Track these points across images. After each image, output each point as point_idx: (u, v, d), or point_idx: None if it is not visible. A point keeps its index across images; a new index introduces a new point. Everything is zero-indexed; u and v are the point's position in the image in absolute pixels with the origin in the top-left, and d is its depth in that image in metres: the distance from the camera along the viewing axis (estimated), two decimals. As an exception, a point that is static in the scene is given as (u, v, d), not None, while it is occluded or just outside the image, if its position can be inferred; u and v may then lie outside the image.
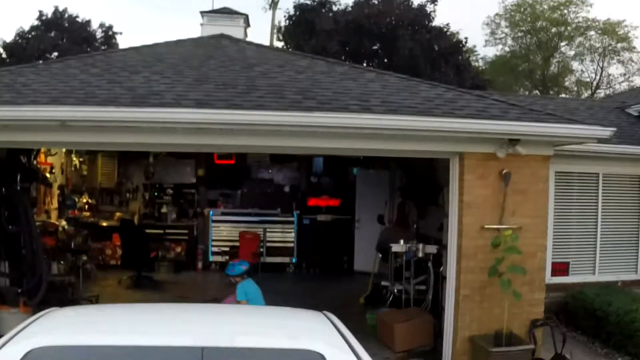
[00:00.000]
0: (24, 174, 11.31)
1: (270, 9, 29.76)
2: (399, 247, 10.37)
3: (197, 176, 16.29)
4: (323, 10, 25.68)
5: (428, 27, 24.84)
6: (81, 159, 15.46)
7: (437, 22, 25.54)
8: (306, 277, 15.44)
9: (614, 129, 9.03)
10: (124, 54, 10.46)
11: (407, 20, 24.02)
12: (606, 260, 11.96)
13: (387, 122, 7.56)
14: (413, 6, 25.19)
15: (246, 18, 12.82)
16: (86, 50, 34.00)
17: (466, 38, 25.90)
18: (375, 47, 25.09)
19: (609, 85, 44.02)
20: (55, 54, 33.81)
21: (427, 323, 9.55)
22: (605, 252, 11.95)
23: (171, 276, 14.62)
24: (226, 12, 12.86)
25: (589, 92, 43.94)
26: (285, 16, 26.64)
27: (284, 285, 14.63)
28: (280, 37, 27.73)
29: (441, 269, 10.11)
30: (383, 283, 10.97)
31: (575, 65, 44.85)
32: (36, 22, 33.67)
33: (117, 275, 13.77)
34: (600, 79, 44.38)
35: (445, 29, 25.40)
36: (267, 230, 15.27)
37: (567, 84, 45.76)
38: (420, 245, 10.25)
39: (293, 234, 15.67)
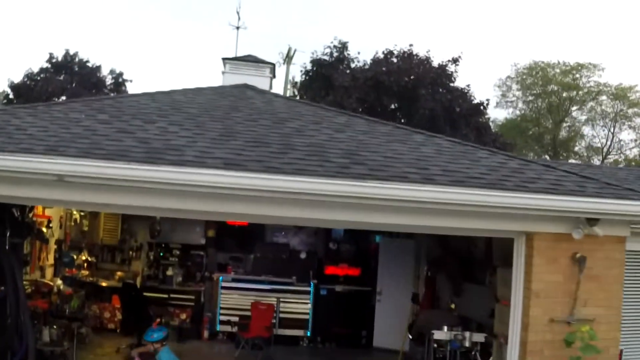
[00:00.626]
0: (15, 229, 9.90)
1: (284, 63, 28.68)
2: (442, 334, 8.85)
3: (206, 237, 14.76)
4: (341, 67, 24.59)
5: (449, 87, 23.75)
6: (82, 213, 13.98)
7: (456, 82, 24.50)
8: (322, 353, 13.85)
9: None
10: (136, 100, 9.04)
11: (428, 79, 22.94)
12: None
13: (455, 196, 6.20)
14: (433, 65, 24.12)
15: (272, 68, 11.54)
16: (95, 95, 33.12)
17: (488, 100, 24.84)
18: (394, 106, 23.96)
19: (619, 152, 43.76)
20: (63, 97, 32.94)
21: None
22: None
23: (175, 346, 13.01)
24: (251, 60, 11.58)
25: (600, 157, 43.42)
26: (301, 71, 25.58)
27: (299, 361, 13.24)
28: (295, 92, 26.63)
29: (490, 360, 8.68)
30: (423, 375, 9.43)
31: (586, 130, 44.60)
32: (46, 65, 32.92)
33: (115, 342, 12.34)
34: (611, 144, 43.99)
35: (466, 90, 24.30)
36: (281, 300, 13.68)
37: (577, 149, 45.30)
38: (467, 334, 8.77)
39: (309, 305, 14.12)
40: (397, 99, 23.34)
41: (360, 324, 14.33)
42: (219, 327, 13.96)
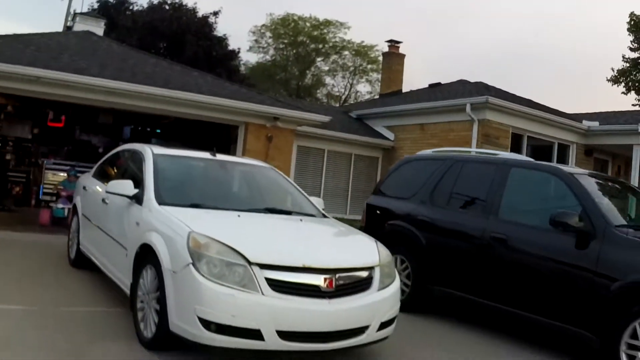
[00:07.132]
0: None
1: (65, -2, 36.06)
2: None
3: (32, 133, 22.88)
4: (122, 8, 32.96)
5: (210, 35, 33.30)
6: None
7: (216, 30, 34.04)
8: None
9: (331, 117, 18.24)
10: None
11: (194, 27, 32.27)
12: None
13: (219, 102, 15.99)
14: (198, 16, 33.49)
15: (106, 21, 20.31)
16: None
17: (239, 48, 34.89)
18: (165, 48, 32.98)
19: (355, 100, 53.23)
20: None
21: None
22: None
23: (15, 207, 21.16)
24: (92, 15, 20.26)
25: (338, 104, 52.43)
26: (89, 9, 33.51)
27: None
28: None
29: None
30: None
31: (328, 79, 54.86)
32: None
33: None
34: (348, 94, 54.63)
35: (223, 38, 34.03)
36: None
37: (318, 95, 55.16)
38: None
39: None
40: (168, 42, 32.40)
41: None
42: (41, 196, 22.32)
